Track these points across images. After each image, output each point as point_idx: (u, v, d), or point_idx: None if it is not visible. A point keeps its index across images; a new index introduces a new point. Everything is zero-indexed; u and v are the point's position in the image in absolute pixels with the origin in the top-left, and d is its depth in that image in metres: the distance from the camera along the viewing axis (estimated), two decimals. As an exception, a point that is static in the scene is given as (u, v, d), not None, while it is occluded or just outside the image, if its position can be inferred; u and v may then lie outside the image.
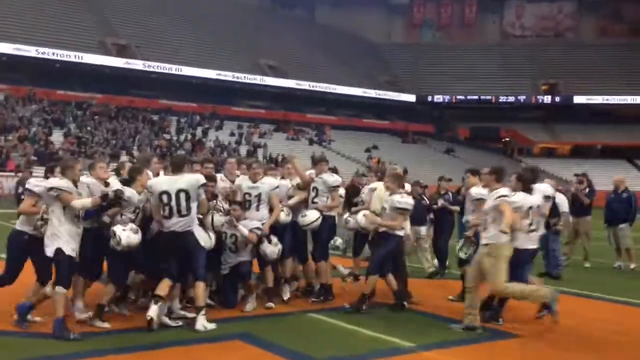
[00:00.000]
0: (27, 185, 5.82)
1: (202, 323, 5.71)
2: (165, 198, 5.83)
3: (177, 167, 6.03)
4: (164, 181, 6.04)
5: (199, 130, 41.83)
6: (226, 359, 5.03)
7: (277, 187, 7.09)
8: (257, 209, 6.94)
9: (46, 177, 6.17)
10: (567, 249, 11.22)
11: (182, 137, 39.30)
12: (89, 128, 36.76)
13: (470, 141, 56.84)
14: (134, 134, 37.39)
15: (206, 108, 46.12)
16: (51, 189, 5.49)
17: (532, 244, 6.43)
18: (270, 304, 6.81)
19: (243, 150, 38.45)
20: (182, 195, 5.82)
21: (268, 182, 7.04)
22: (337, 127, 50.90)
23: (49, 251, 5.45)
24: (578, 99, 56.34)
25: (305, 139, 46.44)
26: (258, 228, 6.71)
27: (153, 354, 5.05)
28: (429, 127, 58.18)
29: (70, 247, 5.46)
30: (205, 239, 6.11)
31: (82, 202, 5.56)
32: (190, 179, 5.96)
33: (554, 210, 9.47)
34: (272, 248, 6.78)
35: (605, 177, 41.68)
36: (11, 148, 30.21)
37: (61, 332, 5.33)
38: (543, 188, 7.29)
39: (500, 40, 65.26)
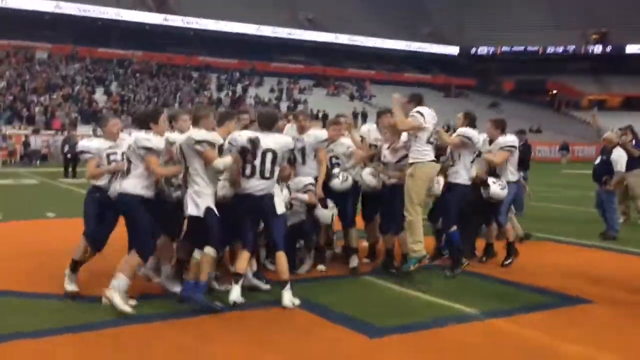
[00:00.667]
0: (142, 143, 5.10)
1: (289, 298, 5.25)
2: (249, 156, 5.34)
3: (266, 124, 5.51)
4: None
5: (238, 87, 41.67)
6: (283, 326, 4.82)
7: (325, 140, 6.53)
8: (304, 162, 6.53)
9: (143, 128, 5.36)
10: (623, 207, 10.68)
11: (222, 95, 39.21)
12: (130, 86, 36.99)
13: (516, 94, 55.21)
14: (174, 91, 37.45)
15: (245, 64, 45.80)
16: (198, 142, 5.07)
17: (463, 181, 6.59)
18: (322, 267, 6.62)
19: (283, 106, 38.13)
20: (269, 156, 5.36)
21: (314, 135, 6.51)
22: (377, 82, 50.01)
23: (196, 211, 5.13)
24: (630, 49, 53.93)
25: (346, 95, 45.84)
26: (311, 184, 6.35)
27: (206, 320, 4.91)
28: (472, 81, 56.65)
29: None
30: (280, 205, 5.62)
31: (224, 160, 5.16)
32: (280, 140, 5.49)
33: (607, 167, 9.18)
34: (327, 212, 6.42)
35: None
36: (56, 107, 30.61)
37: (205, 302, 5.11)
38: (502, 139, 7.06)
39: (548, -13, 62.47)
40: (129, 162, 5.20)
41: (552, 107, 54.89)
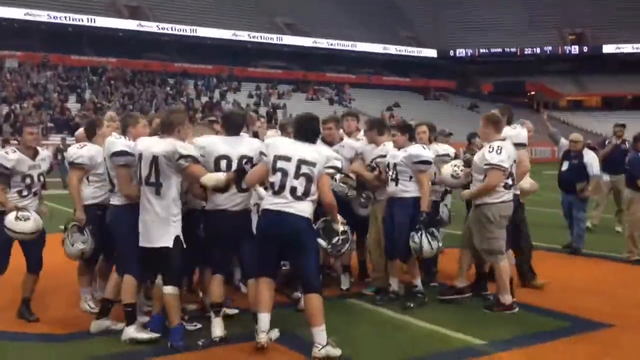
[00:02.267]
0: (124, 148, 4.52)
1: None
2: (224, 165, 4.56)
3: (234, 129, 4.77)
4: (219, 142, 4.69)
5: (216, 93, 40.89)
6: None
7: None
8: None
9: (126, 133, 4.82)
10: (596, 213, 10.05)
11: (199, 101, 38.39)
12: (104, 93, 36.03)
13: (495, 96, 55.01)
14: (150, 98, 36.55)
15: (223, 70, 45.02)
16: (184, 156, 4.34)
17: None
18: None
19: (262, 111, 37.42)
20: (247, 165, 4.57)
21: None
22: (357, 86, 49.63)
23: (165, 240, 4.39)
24: (607, 49, 54.15)
25: (325, 99, 45.30)
26: None
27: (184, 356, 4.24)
28: (451, 83, 56.51)
29: None
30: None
31: (216, 176, 4.39)
32: (252, 144, 4.72)
33: (578, 173, 8.14)
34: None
35: (638, 128, 40.21)
36: (27, 116, 29.53)
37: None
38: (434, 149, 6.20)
39: (524, -11, 62.63)
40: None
41: (531, 108, 54.85)
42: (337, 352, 4.16)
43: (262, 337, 4.30)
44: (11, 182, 5.10)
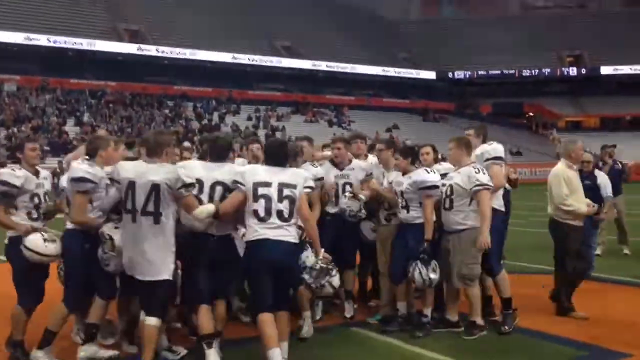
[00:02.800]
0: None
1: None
2: (195, 190, 4.40)
3: (218, 153, 4.63)
4: (197, 167, 4.60)
5: (215, 115, 40.85)
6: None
7: (320, 178, 5.53)
8: None
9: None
10: (602, 239, 9.35)
11: (197, 123, 38.33)
12: (103, 116, 35.97)
13: (493, 117, 55.07)
14: (149, 121, 36.50)
15: (222, 92, 45.07)
16: (185, 185, 4.20)
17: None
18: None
19: (261, 134, 37.34)
20: (219, 190, 4.45)
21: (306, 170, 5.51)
22: (356, 108, 49.70)
23: (161, 273, 4.19)
24: (605, 70, 54.36)
25: (325, 121, 45.28)
26: None
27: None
28: (450, 105, 56.61)
29: None
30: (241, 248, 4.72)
31: (207, 209, 4.24)
32: (231, 170, 4.57)
33: (596, 194, 7.33)
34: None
35: (636, 149, 40.25)
36: (25, 139, 29.39)
37: None
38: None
39: (522, 11, 63.07)
40: None
41: (529, 129, 54.93)
42: None
43: None
44: (19, 203, 4.66)
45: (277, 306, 4.36)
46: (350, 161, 5.95)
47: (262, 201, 4.28)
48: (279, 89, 49.89)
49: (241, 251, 4.58)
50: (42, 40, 40.54)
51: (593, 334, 5.24)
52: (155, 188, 4.12)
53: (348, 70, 52.67)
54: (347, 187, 5.79)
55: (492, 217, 5.23)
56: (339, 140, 6.01)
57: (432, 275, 5.16)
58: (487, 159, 5.54)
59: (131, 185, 4.17)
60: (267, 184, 4.31)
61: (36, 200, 4.72)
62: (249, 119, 41.68)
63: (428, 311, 5.45)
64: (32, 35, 40.17)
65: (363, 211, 5.68)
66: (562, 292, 5.98)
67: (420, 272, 5.13)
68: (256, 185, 4.31)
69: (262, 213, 4.27)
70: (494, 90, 55.83)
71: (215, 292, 4.52)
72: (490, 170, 5.41)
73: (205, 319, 4.40)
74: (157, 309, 4.18)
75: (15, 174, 4.60)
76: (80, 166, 4.51)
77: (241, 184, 4.35)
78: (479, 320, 5.27)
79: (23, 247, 4.50)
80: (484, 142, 5.75)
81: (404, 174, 5.48)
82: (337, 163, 5.88)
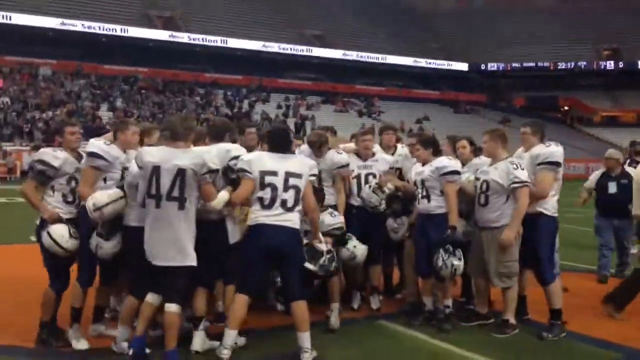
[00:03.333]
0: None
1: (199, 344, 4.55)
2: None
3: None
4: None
5: (245, 103, 40.98)
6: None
7: (345, 165, 5.55)
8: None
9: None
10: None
11: (227, 111, 38.49)
12: (135, 102, 36.37)
13: (527, 111, 54.15)
14: (180, 108, 36.76)
15: (252, 80, 45.16)
16: (211, 171, 4.18)
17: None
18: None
19: (290, 123, 37.34)
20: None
21: (330, 158, 5.56)
22: (386, 98, 49.32)
23: (181, 259, 4.16)
24: (643, 65, 52.90)
25: (354, 111, 45.07)
26: (337, 228, 5.24)
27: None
28: (482, 97, 55.84)
29: None
30: (234, 233, 4.79)
31: (224, 198, 4.27)
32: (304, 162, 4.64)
33: (629, 194, 6.72)
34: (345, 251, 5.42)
35: (675, 147, 39.17)
36: (64, 122, 29.81)
37: None
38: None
39: (558, 2, 61.68)
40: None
41: (564, 123, 53.90)
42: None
43: (225, 354, 4.27)
44: (55, 185, 4.64)
45: (292, 296, 4.41)
46: (374, 153, 5.89)
47: (268, 190, 4.33)
48: (309, 78, 49.79)
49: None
50: (77, 25, 41.09)
51: (627, 335, 5.10)
52: (181, 173, 4.08)
53: (379, 61, 52.29)
54: (370, 178, 5.72)
55: (544, 222, 5.10)
56: (369, 132, 5.96)
57: (456, 263, 5.08)
58: (541, 163, 5.14)
59: (155, 170, 4.12)
60: (274, 173, 4.35)
61: (73, 183, 4.67)
62: (279, 107, 41.71)
63: (449, 302, 5.39)
64: (67, 21, 40.74)
65: (383, 204, 5.60)
66: (628, 294, 5.76)
67: (444, 262, 5.06)
68: (263, 173, 4.35)
69: (266, 201, 4.33)
70: (528, 83, 54.88)
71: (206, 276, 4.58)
72: (540, 173, 5.11)
73: (202, 301, 4.55)
74: (178, 296, 4.17)
75: (55, 155, 4.60)
76: (96, 142, 4.62)
77: (248, 172, 4.35)
78: (512, 319, 5.15)
79: (46, 234, 4.49)
80: (541, 141, 5.31)
81: (424, 164, 5.40)
82: (362, 155, 5.83)
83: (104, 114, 33.36)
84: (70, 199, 4.68)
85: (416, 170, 5.45)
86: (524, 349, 4.75)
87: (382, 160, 5.85)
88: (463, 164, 5.56)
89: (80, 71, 38.86)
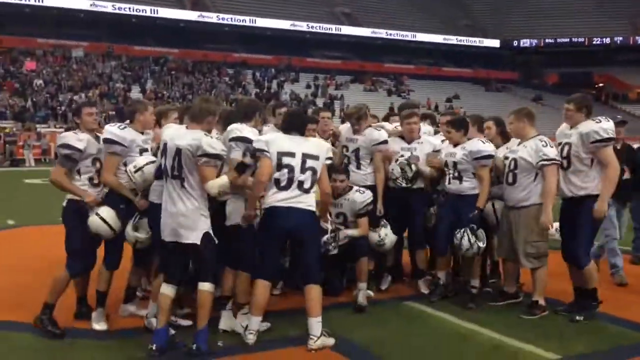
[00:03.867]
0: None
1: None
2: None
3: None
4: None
5: (274, 83, 40.98)
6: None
7: (383, 142, 5.58)
8: (358, 167, 5.64)
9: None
10: None
11: (257, 91, 38.55)
12: (166, 83, 36.66)
13: (560, 88, 53.00)
14: (210, 89, 36.95)
15: (281, 60, 45.09)
16: (207, 155, 4.11)
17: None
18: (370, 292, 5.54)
19: (319, 102, 37.25)
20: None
21: (369, 134, 5.62)
22: (415, 77, 48.82)
23: (194, 236, 4.14)
24: (682, 39, 51.28)
25: (383, 90, 44.74)
26: (368, 204, 5.30)
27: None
28: (514, 74, 54.85)
29: None
30: (235, 213, 4.74)
31: (221, 182, 4.16)
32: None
33: None
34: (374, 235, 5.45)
35: None
36: (82, 103, 30.25)
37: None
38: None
39: (593, -24, 60.00)
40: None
41: (599, 100, 52.59)
42: (331, 341, 4.29)
43: (250, 339, 4.31)
44: (81, 168, 4.61)
45: (306, 279, 4.38)
46: (420, 136, 5.81)
47: (285, 171, 4.31)
48: (338, 56, 49.48)
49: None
50: (107, 7, 41.44)
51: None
52: (178, 152, 4.11)
53: (408, 38, 51.66)
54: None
55: (588, 202, 4.84)
56: (413, 115, 5.78)
57: (480, 244, 5.12)
58: (596, 141, 4.79)
59: (164, 147, 4.23)
60: (292, 154, 4.33)
61: (97, 165, 4.67)
62: (308, 87, 41.61)
63: (476, 282, 5.41)
64: (97, 2, 41.11)
65: (404, 181, 5.57)
66: None
67: (469, 240, 5.09)
68: (281, 154, 4.32)
69: (283, 182, 4.31)
70: (562, 59, 53.63)
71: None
72: (601, 152, 4.81)
73: (227, 280, 4.62)
74: (207, 274, 4.21)
75: (78, 137, 4.57)
76: (110, 128, 4.61)
77: (266, 151, 4.33)
78: (542, 301, 5.10)
79: (95, 216, 4.46)
80: (588, 117, 4.96)
81: (455, 146, 5.40)
82: (406, 137, 5.76)
83: (135, 95, 33.72)
84: (96, 181, 4.67)
85: (448, 151, 5.44)
86: (552, 330, 4.70)
87: (427, 143, 5.78)
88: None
89: (111, 53, 39.29)
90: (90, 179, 4.64)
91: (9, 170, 21.53)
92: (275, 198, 4.33)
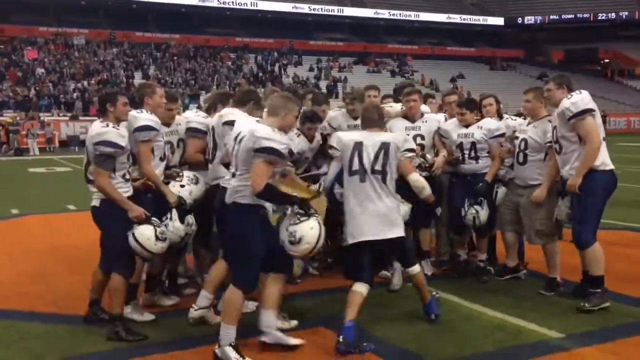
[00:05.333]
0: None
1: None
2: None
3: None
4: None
5: (277, 67, 40.78)
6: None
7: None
8: None
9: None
10: None
11: (260, 75, 38.38)
12: (168, 69, 36.53)
13: (566, 65, 52.59)
14: (212, 73, 36.82)
15: (283, 43, 44.83)
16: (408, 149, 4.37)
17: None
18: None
19: (323, 85, 37.06)
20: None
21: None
22: (419, 57, 48.46)
23: (399, 230, 4.23)
24: (689, 13, 50.64)
25: (387, 71, 44.45)
26: None
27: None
28: (519, 52, 54.38)
29: None
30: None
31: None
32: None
33: None
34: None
35: None
36: (94, 92, 30.31)
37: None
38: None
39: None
40: None
41: (604, 76, 52.21)
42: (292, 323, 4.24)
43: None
44: (117, 165, 4.16)
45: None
46: (423, 114, 5.74)
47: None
48: (341, 38, 49.15)
49: None
50: (107, -7, 41.26)
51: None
52: (384, 147, 4.18)
53: (412, 18, 51.21)
54: (418, 140, 5.57)
55: (589, 176, 4.58)
56: (414, 92, 5.68)
57: (482, 217, 5.31)
58: (570, 117, 4.60)
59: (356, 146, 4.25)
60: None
61: (131, 159, 4.35)
62: (311, 69, 41.39)
63: (483, 256, 5.64)
64: (97, -11, 40.94)
65: (423, 172, 5.40)
66: None
67: (475, 212, 5.29)
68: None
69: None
70: (567, 36, 53.10)
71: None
72: (580, 129, 4.59)
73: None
74: (412, 259, 4.49)
75: (119, 133, 4.16)
76: (141, 115, 4.39)
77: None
78: (559, 277, 5.13)
79: (131, 236, 4.12)
80: (569, 93, 4.80)
81: (467, 126, 5.47)
82: (409, 116, 5.68)
83: (138, 82, 33.60)
84: (128, 176, 4.31)
85: (460, 132, 5.48)
86: (560, 309, 4.65)
87: (431, 121, 5.70)
88: None
89: (113, 39, 39.14)
90: (123, 176, 4.24)
91: (13, 160, 21.56)
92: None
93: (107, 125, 4.15)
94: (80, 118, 27.28)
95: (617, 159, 5.98)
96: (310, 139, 5.41)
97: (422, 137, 5.59)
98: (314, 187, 4.70)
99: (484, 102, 5.68)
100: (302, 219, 3.83)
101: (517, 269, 5.47)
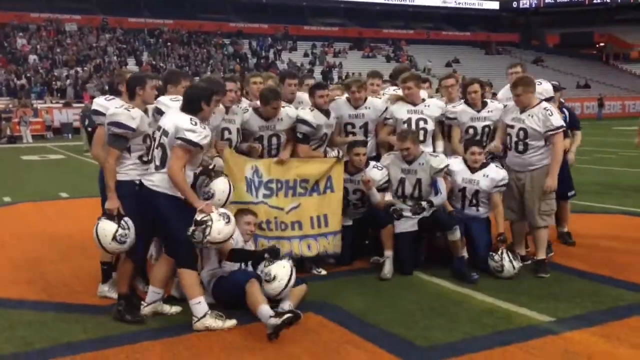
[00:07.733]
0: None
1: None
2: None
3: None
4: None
5: (271, 53, 40.56)
6: (305, 344, 3.91)
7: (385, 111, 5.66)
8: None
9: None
10: None
11: (254, 61, 38.17)
12: (161, 55, 36.29)
13: (561, 48, 52.55)
14: (206, 59, 36.60)
15: (278, 29, 44.56)
16: None
17: None
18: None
19: (317, 71, 36.92)
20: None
21: (374, 106, 5.63)
22: (414, 42, 48.27)
23: None
24: (685, -5, 50.38)
25: (382, 56, 44.26)
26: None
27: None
28: (514, 36, 54.20)
29: None
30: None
31: None
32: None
33: None
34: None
35: None
36: (87, 79, 30.13)
37: None
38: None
39: None
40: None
41: (600, 60, 52.16)
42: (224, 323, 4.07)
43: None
44: (132, 146, 4.21)
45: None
46: (424, 99, 5.74)
47: None
48: (336, 23, 48.88)
49: None
50: (99, -22, 40.86)
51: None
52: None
53: (407, 3, 50.92)
54: (421, 124, 5.57)
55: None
56: (411, 79, 5.62)
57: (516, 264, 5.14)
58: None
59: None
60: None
61: (148, 141, 4.26)
62: (305, 55, 41.19)
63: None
64: (90, -26, 40.52)
65: None
66: None
67: (510, 261, 5.09)
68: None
69: None
70: (562, 20, 52.97)
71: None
72: None
73: None
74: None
75: (131, 115, 4.14)
76: (164, 100, 4.45)
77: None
78: (548, 257, 5.31)
79: (95, 225, 4.13)
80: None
81: (472, 172, 5.37)
82: (408, 101, 5.66)
83: (132, 68, 33.40)
84: (145, 158, 4.26)
85: (465, 177, 5.40)
86: (550, 293, 4.66)
87: (433, 105, 5.70)
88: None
89: (105, 25, 38.82)
90: (140, 157, 4.25)
91: (6, 147, 21.45)
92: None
93: (121, 107, 4.21)
94: (74, 105, 27.12)
95: (612, 143, 5.96)
96: (324, 107, 5.44)
97: (425, 121, 5.59)
98: (333, 153, 5.34)
99: (469, 89, 5.64)
100: (275, 260, 4.24)
101: (526, 257, 5.43)
